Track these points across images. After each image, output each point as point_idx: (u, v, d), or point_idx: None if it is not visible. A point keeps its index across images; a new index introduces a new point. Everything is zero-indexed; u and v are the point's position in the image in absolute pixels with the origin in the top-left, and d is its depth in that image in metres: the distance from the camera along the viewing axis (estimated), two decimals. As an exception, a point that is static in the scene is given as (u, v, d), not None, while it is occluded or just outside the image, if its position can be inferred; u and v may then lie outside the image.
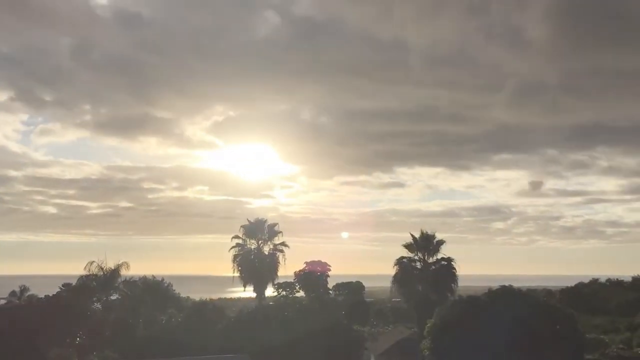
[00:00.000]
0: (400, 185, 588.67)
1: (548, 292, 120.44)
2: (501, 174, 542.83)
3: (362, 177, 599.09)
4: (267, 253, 77.31)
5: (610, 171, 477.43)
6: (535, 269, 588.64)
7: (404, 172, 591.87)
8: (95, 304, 77.20)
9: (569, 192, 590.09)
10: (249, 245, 77.43)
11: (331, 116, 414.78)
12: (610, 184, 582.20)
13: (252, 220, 78.28)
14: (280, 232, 77.95)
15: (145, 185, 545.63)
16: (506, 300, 55.89)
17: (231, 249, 77.04)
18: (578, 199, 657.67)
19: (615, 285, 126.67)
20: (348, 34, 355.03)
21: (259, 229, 77.53)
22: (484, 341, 52.64)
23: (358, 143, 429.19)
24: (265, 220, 78.33)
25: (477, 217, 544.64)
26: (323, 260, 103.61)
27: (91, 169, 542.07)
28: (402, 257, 73.51)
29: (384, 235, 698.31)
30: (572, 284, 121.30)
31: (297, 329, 62.40)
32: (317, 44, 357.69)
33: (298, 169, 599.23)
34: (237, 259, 76.50)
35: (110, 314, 71.72)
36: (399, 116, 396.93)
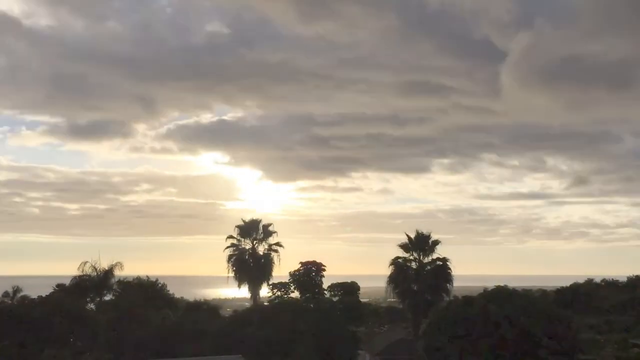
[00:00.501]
0: (357, 189, 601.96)
1: (543, 292, 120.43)
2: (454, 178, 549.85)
3: (320, 182, 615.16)
4: (261, 253, 76.99)
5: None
6: (523, 269, 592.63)
7: (363, 177, 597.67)
8: (89, 304, 76.82)
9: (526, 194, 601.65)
10: (243, 245, 77.12)
11: (285, 121, 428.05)
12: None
13: (246, 221, 77.98)
14: (275, 232, 77.78)
15: (119, 188, 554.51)
16: (501, 300, 55.85)
17: (226, 249, 76.82)
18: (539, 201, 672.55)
19: (610, 285, 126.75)
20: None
21: (254, 229, 77.21)
22: (479, 341, 52.58)
23: (314, 148, 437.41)
24: (260, 221, 78.06)
25: (457, 218, 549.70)
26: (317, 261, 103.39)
27: (62, 173, 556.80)
28: (398, 258, 73.38)
29: (368, 237, 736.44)
30: (567, 284, 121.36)
31: (292, 329, 62.25)
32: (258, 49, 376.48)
33: (257, 174, 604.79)
34: (232, 259, 76.18)
35: (105, 314, 71.34)
36: (350, 121, 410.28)
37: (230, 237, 77.01)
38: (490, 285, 69.20)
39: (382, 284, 75.19)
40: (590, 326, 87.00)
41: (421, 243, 73.22)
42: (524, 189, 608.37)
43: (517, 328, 52.79)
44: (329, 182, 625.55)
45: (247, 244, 77.26)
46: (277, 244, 77.41)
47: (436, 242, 73.49)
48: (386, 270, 73.82)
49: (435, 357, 54.46)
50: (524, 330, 52.82)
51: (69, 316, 66.02)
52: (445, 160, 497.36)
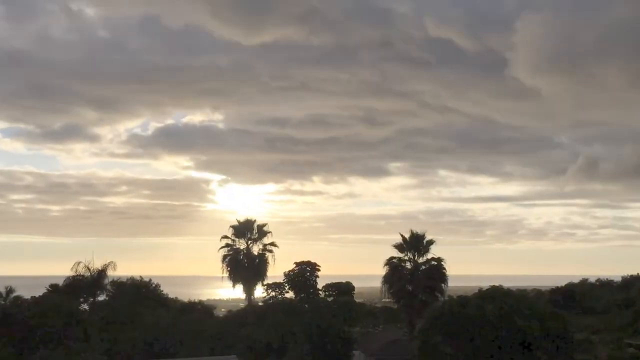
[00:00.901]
0: (323, 192, 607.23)
1: (538, 292, 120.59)
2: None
3: (286, 185, 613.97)
4: (256, 253, 76.77)
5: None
6: (510, 269, 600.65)
7: (325, 180, 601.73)
8: (83, 304, 76.57)
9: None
10: (237, 245, 76.92)
11: (246, 125, 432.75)
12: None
13: (241, 221, 77.79)
14: (270, 232, 77.55)
15: (96, 190, 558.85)
16: (496, 300, 55.73)
17: (220, 249, 76.59)
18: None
19: (605, 285, 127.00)
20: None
21: (248, 229, 77.02)
22: (474, 342, 52.49)
23: (274, 151, 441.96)
24: (254, 221, 77.83)
25: (439, 219, 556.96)
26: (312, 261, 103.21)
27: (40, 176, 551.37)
28: (392, 258, 73.20)
29: (355, 238, 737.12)
30: (562, 283, 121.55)
31: (287, 329, 62.10)
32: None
33: (223, 177, 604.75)
34: (226, 259, 75.96)
35: (98, 314, 71.13)
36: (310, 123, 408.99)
37: (225, 237, 76.81)
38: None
39: (377, 284, 75.04)
40: (585, 326, 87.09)
41: (416, 243, 73.06)
42: (491, 191, 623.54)
43: (512, 328, 52.70)
44: (295, 185, 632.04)
45: (241, 244, 77.07)
46: (272, 244, 77.30)
47: (431, 242, 73.35)
48: (380, 271, 73.72)
49: (430, 358, 54.28)
50: (520, 330, 52.73)
51: (63, 316, 65.76)
52: (405, 163, 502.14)
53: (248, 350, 60.52)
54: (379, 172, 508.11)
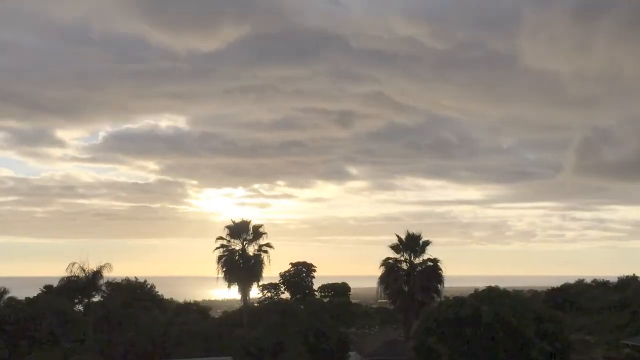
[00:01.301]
0: (292, 195, 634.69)
1: (534, 293, 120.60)
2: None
3: (255, 189, 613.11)
4: (251, 254, 76.51)
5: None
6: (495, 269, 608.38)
7: (291, 184, 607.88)
8: (78, 305, 76.32)
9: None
10: (233, 246, 76.64)
11: (211, 128, 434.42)
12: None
13: (236, 221, 77.51)
14: (265, 233, 77.22)
15: (75, 193, 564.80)
16: (492, 301, 55.65)
17: (215, 249, 76.28)
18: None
19: (600, 286, 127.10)
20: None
21: (244, 230, 76.75)
22: (470, 343, 52.40)
23: (237, 156, 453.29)
24: (250, 221, 77.55)
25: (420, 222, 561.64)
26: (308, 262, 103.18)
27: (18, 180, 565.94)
28: (388, 258, 73.10)
29: (346, 239, 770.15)
30: (558, 284, 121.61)
31: (282, 330, 61.90)
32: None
33: (191, 182, 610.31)
34: (222, 260, 75.70)
35: (93, 315, 70.87)
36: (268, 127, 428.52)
37: (220, 237, 76.55)
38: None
39: (373, 284, 74.93)
40: (581, 327, 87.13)
41: (412, 244, 72.93)
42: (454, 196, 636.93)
43: (508, 328, 52.63)
44: (263, 189, 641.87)
45: (236, 245, 76.81)
46: (267, 244, 76.99)
47: (427, 243, 73.22)
48: (377, 271, 73.60)
49: (426, 358, 54.19)
50: (515, 331, 52.67)
51: (58, 317, 65.55)
52: (364, 167, 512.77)
53: (243, 352, 60.29)
54: (341, 175, 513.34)
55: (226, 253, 76.06)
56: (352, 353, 67.48)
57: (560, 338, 54.66)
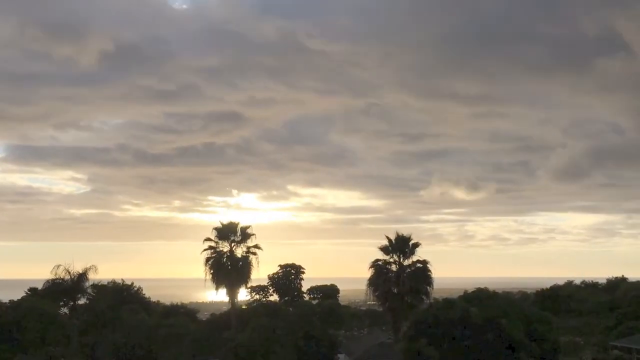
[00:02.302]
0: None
1: (523, 294, 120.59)
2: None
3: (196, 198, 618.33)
4: (239, 256, 75.88)
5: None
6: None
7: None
8: (63, 308, 75.42)
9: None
10: (221, 248, 76.01)
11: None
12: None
13: (224, 223, 76.89)
14: (254, 234, 76.61)
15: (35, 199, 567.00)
16: (481, 302, 55.42)
17: (203, 251, 75.62)
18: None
19: (590, 287, 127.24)
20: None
21: (232, 232, 76.12)
22: (459, 344, 52.12)
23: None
24: (238, 223, 76.90)
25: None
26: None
27: None
28: (377, 260, 72.68)
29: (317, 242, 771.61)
30: (547, 285, 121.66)
31: (271, 333, 61.43)
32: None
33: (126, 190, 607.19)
34: (209, 262, 75.05)
35: (79, 318, 70.13)
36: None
37: (208, 239, 75.89)
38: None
39: (361, 286, 74.48)
40: (570, 328, 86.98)
41: (401, 245, 72.57)
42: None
43: (497, 330, 52.41)
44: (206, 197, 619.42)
45: (225, 247, 76.18)
46: (256, 246, 76.37)
47: (416, 245, 72.85)
48: (366, 273, 73.15)
49: (415, 361, 53.92)
50: (505, 333, 52.46)
51: (42, 320, 64.72)
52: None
53: (231, 354, 59.79)
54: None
55: (214, 255, 75.43)
56: (341, 355, 67.11)
57: (550, 339, 54.53)
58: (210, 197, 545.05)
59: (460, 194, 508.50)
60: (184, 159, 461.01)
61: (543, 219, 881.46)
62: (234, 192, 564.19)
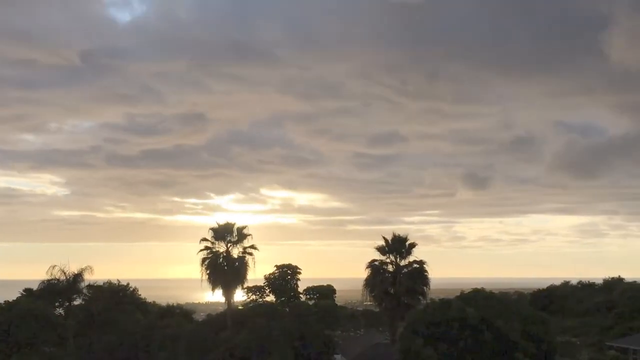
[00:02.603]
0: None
1: (519, 295, 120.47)
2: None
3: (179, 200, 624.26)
4: (236, 256, 75.66)
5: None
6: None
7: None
8: (58, 309, 75.13)
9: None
10: (217, 249, 75.77)
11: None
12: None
13: (221, 223, 76.66)
14: (250, 235, 76.38)
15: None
16: (478, 303, 55.33)
17: (199, 252, 75.37)
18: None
19: (586, 287, 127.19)
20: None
21: (228, 232, 75.88)
22: (456, 345, 52.03)
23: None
24: (234, 224, 76.65)
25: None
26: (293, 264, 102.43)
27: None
28: (374, 260, 72.55)
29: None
30: (541, 286, 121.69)
31: (267, 333, 61.33)
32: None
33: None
34: (205, 262, 74.80)
35: (74, 319, 69.92)
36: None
37: (204, 239, 75.63)
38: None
39: (358, 287, 74.33)
40: (567, 328, 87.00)
41: (398, 246, 72.46)
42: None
43: (494, 330, 52.33)
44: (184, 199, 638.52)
45: (221, 247, 75.94)
46: (252, 246, 76.12)
47: (413, 245, 72.75)
48: (363, 274, 73.02)
49: (411, 361, 53.81)
50: (501, 333, 52.38)
51: (38, 321, 64.53)
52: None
53: (228, 355, 59.68)
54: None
55: (210, 255, 75.18)
56: (337, 356, 67.04)
57: (546, 340, 54.43)
58: (190, 200, 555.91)
59: (438, 196, 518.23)
60: (156, 162, 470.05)
61: (528, 221, 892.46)
62: (211, 194, 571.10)
